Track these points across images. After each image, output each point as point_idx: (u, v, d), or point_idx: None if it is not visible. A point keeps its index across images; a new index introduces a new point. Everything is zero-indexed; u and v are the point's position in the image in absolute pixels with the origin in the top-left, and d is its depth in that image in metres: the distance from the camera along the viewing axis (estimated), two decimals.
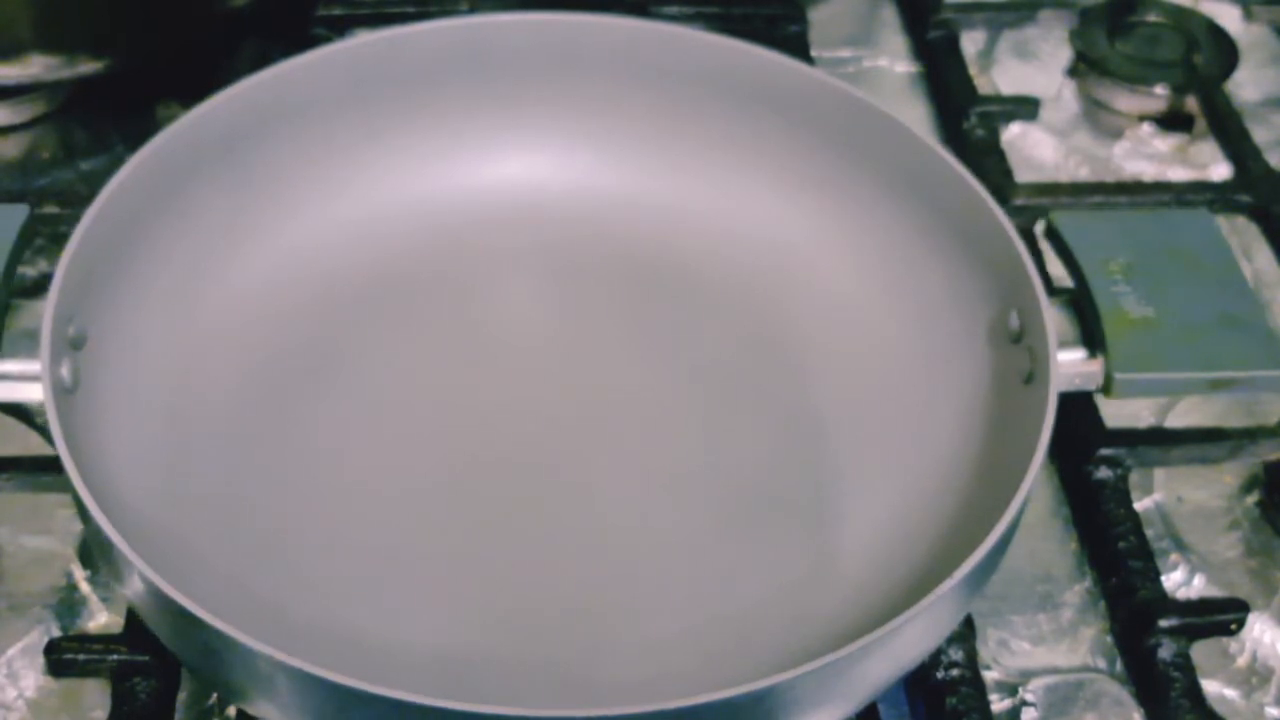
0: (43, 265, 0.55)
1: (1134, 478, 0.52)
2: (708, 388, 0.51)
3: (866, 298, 0.53)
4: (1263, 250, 0.61)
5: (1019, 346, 0.47)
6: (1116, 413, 0.53)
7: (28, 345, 0.44)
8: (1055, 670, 0.48)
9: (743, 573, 0.46)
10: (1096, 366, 0.46)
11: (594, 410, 0.51)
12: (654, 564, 0.47)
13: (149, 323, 0.49)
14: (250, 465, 0.48)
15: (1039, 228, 0.57)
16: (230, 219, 0.52)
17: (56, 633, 0.46)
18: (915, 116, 0.67)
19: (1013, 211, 0.58)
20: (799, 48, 0.67)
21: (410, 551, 0.46)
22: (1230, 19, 0.72)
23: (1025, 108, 0.66)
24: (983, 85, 0.68)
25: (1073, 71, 0.69)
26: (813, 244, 0.54)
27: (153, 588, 0.38)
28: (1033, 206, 0.60)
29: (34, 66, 0.60)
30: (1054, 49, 0.70)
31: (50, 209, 0.57)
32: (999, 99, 0.67)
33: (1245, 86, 0.69)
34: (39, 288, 0.51)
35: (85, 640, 0.46)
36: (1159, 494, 0.53)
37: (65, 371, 0.44)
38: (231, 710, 0.45)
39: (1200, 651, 0.48)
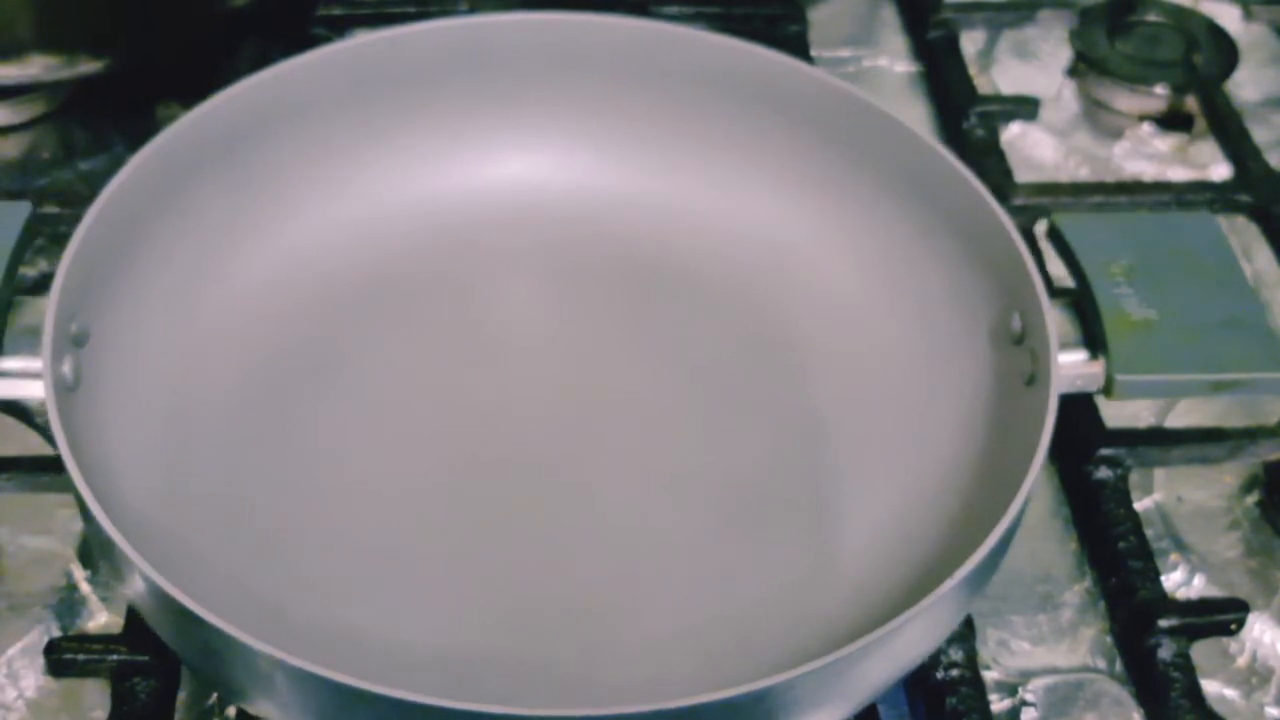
0: (43, 265, 0.55)
1: (1134, 478, 0.52)
2: (708, 388, 0.51)
3: (867, 298, 0.53)
4: (1263, 250, 0.61)
5: (1020, 348, 0.47)
6: (1116, 413, 0.53)
7: (29, 342, 0.43)
8: (1055, 670, 0.48)
9: (743, 573, 0.46)
10: (1098, 368, 0.46)
11: (594, 410, 0.51)
12: (654, 564, 0.47)
13: (150, 322, 0.49)
14: (250, 465, 0.48)
15: (1040, 228, 0.57)
16: (231, 218, 0.52)
17: (56, 633, 0.46)
18: (915, 116, 0.67)
19: (1013, 211, 0.58)
20: (799, 48, 0.67)
21: (410, 551, 0.46)
22: (1230, 19, 0.72)
23: (1025, 108, 0.66)
24: (983, 85, 0.68)
25: (1073, 71, 0.69)
26: (813, 244, 0.54)
27: (153, 586, 0.38)
28: (1033, 206, 0.60)
29: (34, 66, 0.60)
30: (1054, 49, 0.70)
31: (50, 209, 0.56)
32: (999, 99, 0.67)
33: (1245, 86, 0.69)
34: (40, 287, 0.51)
35: (85, 640, 0.46)
36: (1159, 494, 0.53)
37: (67, 369, 0.44)
38: (231, 710, 0.45)
39: (1200, 651, 0.48)
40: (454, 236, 0.55)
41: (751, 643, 0.44)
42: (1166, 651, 0.47)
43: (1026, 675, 0.48)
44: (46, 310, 0.43)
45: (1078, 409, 0.52)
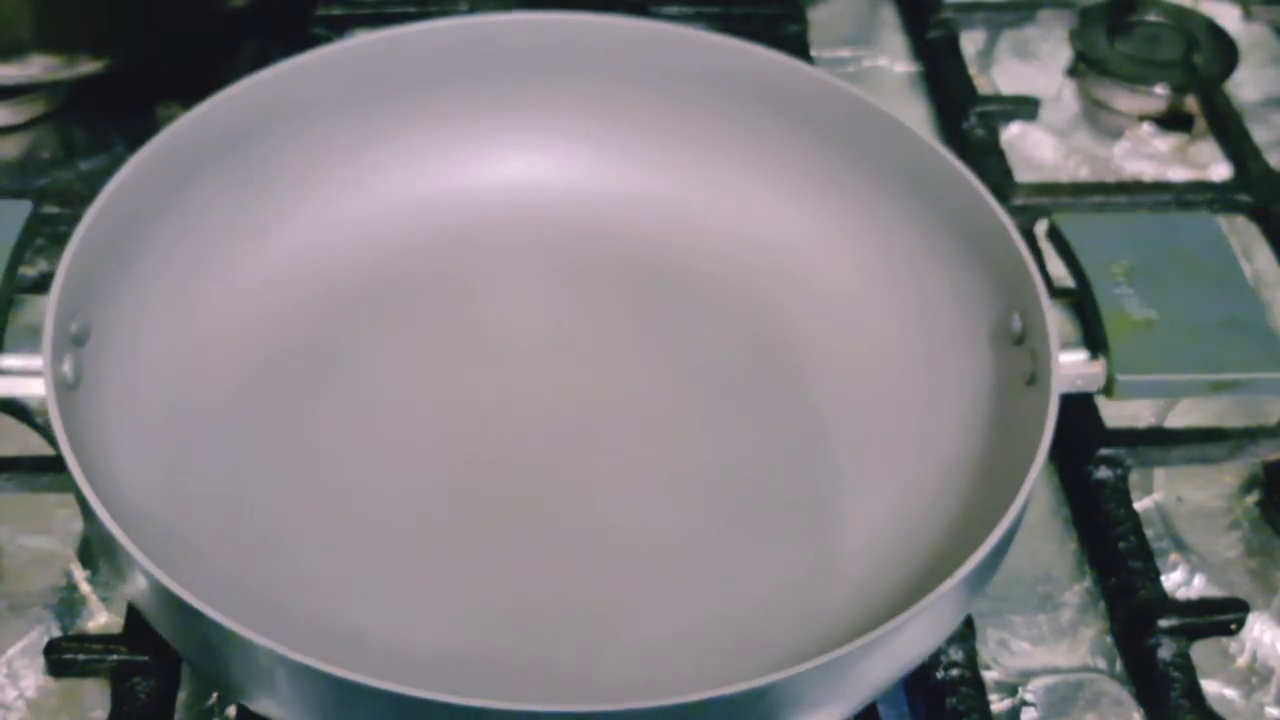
0: (43, 265, 0.55)
1: (1134, 478, 0.52)
2: (708, 388, 0.51)
3: (867, 298, 0.53)
4: (1263, 250, 0.61)
5: (1021, 348, 0.47)
6: (1116, 413, 0.53)
7: (30, 341, 0.43)
8: (1055, 670, 0.48)
9: (743, 573, 0.46)
10: (1098, 368, 0.46)
11: (594, 410, 0.51)
12: (654, 564, 0.47)
13: (150, 321, 0.49)
14: (250, 464, 0.48)
15: (1040, 228, 0.57)
16: (231, 218, 0.52)
17: (56, 633, 0.46)
18: (915, 116, 0.67)
19: (1012, 211, 0.58)
20: (799, 48, 0.67)
21: (410, 551, 0.46)
22: (1230, 19, 0.72)
23: (1025, 108, 0.66)
24: (983, 85, 0.68)
25: (1073, 71, 0.69)
26: (813, 244, 0.54)
27: (154, 582, 0.38)
28: (1032, 206, 0.60)
29: (34, 66, 0.60)
30: (1054, 49, 0.70)
31: (50, 209, 0.56)
32: (999, 99, 0.67)
33: (1245, 86, 0.69)
34: (40, 287, 0.51)
35: (85, 640, 0.45)
36: (1159, 494, 0.53)
37: (67, 368, 0.44)
38: (231, 710, 0.45)
39: (1200, 651, 0.48)
40: (454, 236, 0.55)
41: (751, 643, 0.44)
42: (1166, 651, 0.47)
43: (1026, 675, 0.48)
44: (47, 308, 0.43)
45: (1078, 409, 0.52)
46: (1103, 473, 0.52)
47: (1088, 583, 0.50)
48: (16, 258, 0.45)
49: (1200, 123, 0.67)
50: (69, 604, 0.47)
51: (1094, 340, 0.46)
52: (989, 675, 0.47)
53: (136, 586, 0.39)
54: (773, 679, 0.36)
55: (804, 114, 0.54)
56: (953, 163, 0.50)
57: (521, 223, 0.56)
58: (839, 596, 0.45)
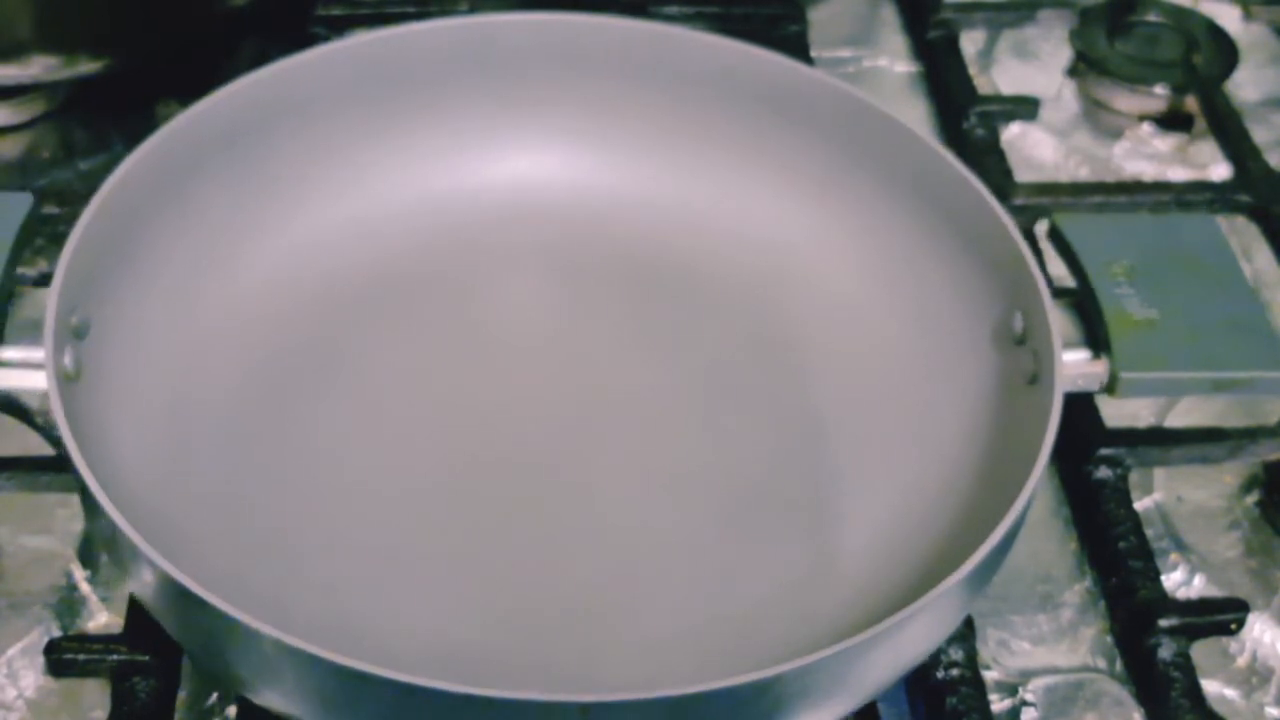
0: (43, 265, 0.55)
1: (1134, 478, 0.52)
2: (709, 387, 0.51)
3: (868, 298, 0.53)
4: (1263, 250, 0.61)
5: (1022, 348, 0.47)
6: (1116, 413, 0.53)
7: (30, 334, 0.44)
8: (1055, 670, 0.48)
9: (743, 573, 0.46)
10: (1100, 368, 0.46)
11: (594, 410, 0.51)
12: (654, 564, 0.47)
13: (151, 318, 0.48)
14: (250, 463, 0.48)
15: (1040, 228, 0.57)
16: (231, 216, 0.52)
17: (56, 633, 0.46)
18: (915, 116, 0.67)
19: (1013, 211, 0.58)
20: (799, 48, 0.67)
21: (410, 551, 0.46)
22: (1230, 19, 0.72)
23: (1025, 108, 0.66)
24: (983, 85, 0.68)
25: (1073, 71, 0.69)
26: (814, 244, 0.54)
27: (158, 571, 0.38)
28: (1033, 206, 0.60)
29: (34, 66, 0.60)
30: (1054, 49, 0.70)
31: (50, 209, 0.56)
32: (999, 99, 0.67)
33: (1245, 86, 0.69)
34: (39, 284, 0.51)
35: (85, 640, 0.45)
36: (1159, 494, 0.53)
37: (68, 360, 0.43)
38: (231, 710, 0.45)
39: (1200, 651, 0.48)
40: (453, 236, 0.55)
41: (751, 643, 0.44)
42: (1166, 651, 0.47)
43: (1026, 675, 0.48)
44: (48, 300, 0.43)
45: (1078, 409, 0.52)
46: (1103, 473, 0.52)
47: (1088, 583, 0.50)
48: (18, 250, 0.46)
49: (1200, 123, 0.67)
50: (69, 604, 0.47)
51: (1096, 339, 0.46)
52: (989, 675, 0.47)
53: (138, 577, 0.39)
54: (779, 670, 0.36)
55: (804, 114, 0.54)
56: (953, 163, 0.50)
57: (521, 222, 0.56)
58: (839, 597, 0.45)
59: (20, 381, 0.44)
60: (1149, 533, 0.51)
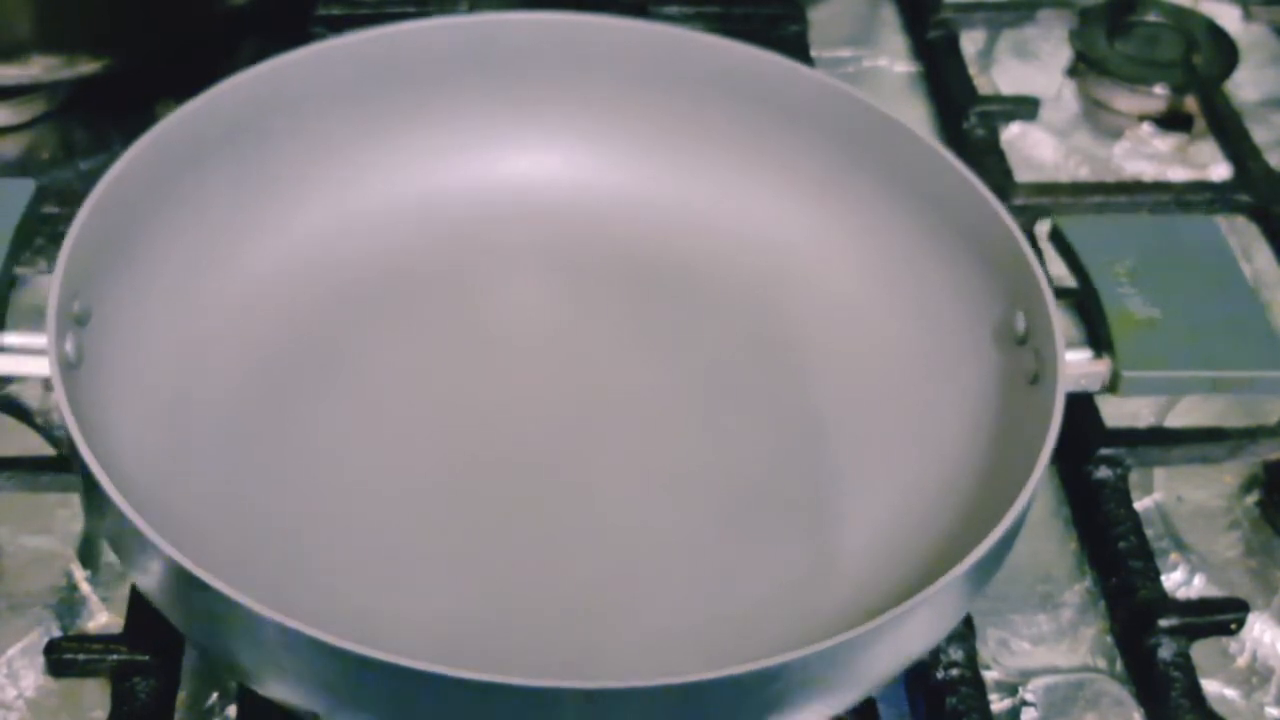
0: (43, 265, 0.55)
1: (1134, 478, 0.52)
2: (709, 387, 0.51)
3: (868, 298, 0.53)
4: (1263, 250, 0.61)
5: (1024, 347, 0.47)
6: (1116, 412, 0.53)
7: (33, 319, 0.44)
8: (1055, 670, 0.48)
9: (743, 573, 0.46)
10: (1102, 367, 0.46)
11: (595, 409, 0.51)
12: (654, 564, 0.47)
13: (151, 316, 0.48)
14: (250, 463, 0.48)
15: (1041, 229, 0.57)
16: (231, 215, 0.52)
17: (56, 633, 0.46)
18: (915, 116, 0.67)
19: (1013, 211, 0.58)
20: (799, 48, 0.67)
21: (410, 551, 0.46)
22: (1230, 19, 0.72)
23: (1025, 108, 0.66)
24: (983, 85, 0.68)
25: (1073, 71, 0.69)
26: (814, 244, 0.54)
27: (161, 555, 0.38)
28: (1033, 206, 0.61)
29: (34, 66, 0.60)
30: (1054, 49, 0.70)
31: (50, 208, 0.56)
32: (999, 99, 0.67)
33: (1245, 86, 0.69)
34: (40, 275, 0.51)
35: (85, 640, 0.45)
36: (1159, 494, 0.53)
37: (69, 347, 0.43)
38: (231, 710, 0.45)
39: (1200, 651, 0.48)
40: (454, 235, 0.55)
41: (751, 643, 0.44)
42: (1166, 651, 0.47)
43: (1026, 675, 0.48)
44: (50, 286, 0.43)
45: (1078, 408, 0.52)
46: (1103, 472, 0.52)
47: (1088, 583, 0.50)
48: (20, 237, 0.46)
49: (1200, 123, 0.67)
50: (69, 604, 0.47)
51: (1097, 339, 0.46)
52: (989, 675, 0.47)
53: (141, 564, 0.39)
54: (783, 659, 0.36)
55: (804, 115, 0.54)
56: (954, 163, 0.50)
57: (521, 222, 0.56)
58: (839, 596, 0.45)
59: (21, 367, 0.44)
60: (1149, 533, 0.51)
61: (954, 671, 0.46)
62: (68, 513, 0.49)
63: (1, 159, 0.62)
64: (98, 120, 0.63)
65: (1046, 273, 0.47)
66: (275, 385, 0.50)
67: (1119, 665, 0.48)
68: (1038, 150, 0.66)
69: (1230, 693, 0.48)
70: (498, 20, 0.55)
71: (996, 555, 0.41)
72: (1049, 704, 0.47)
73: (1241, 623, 0.48)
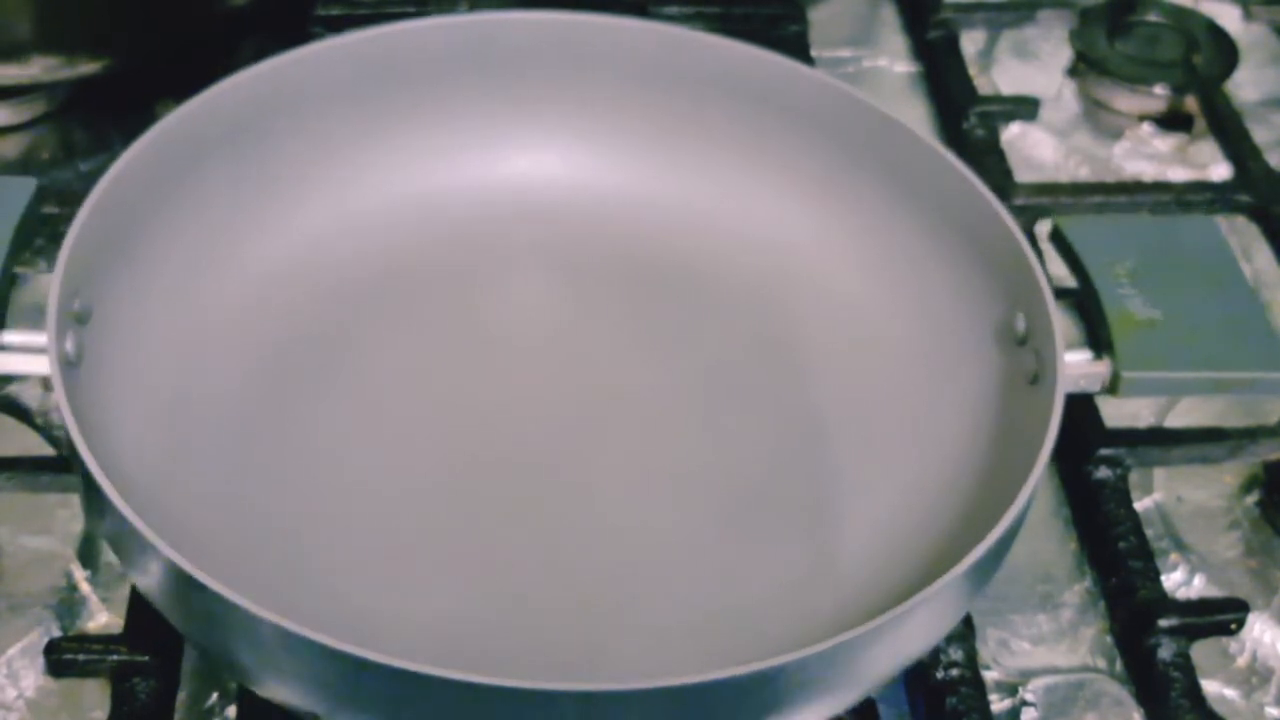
0: (43, 265, 0.55)
1: (1134, 478, 0.52)
2: (710, 387, 0.51)
3: (869, 298, 0.53)
4: (1263, 250, 0.61)
5: (1024, 348, 0.47)
6: (1116, 413, 0.53)
7: (33, 318, 0.44)
8: (1055, 670, 0.48)
9: (743, 572, 0.46)
10: (1102, 368, 0.46)
11: (595, 409, 0.51)
12: (654, 563, 0.47)
13: (151, 316, 0.48)
14: (250, 463, 0.48)
15: (1041, 229, 0.57)
16: (232, 215, 0.52)
17: (56, 633, 0.46)
18: (915, 116, 0.67)
19: (1013, 211, 0.58)
20: (799, 48, 0.67)
21: (409, 550, 0.46)
22: (1230, 19, 0.72)
23: (1025, 108, 0.66)
24: (983, 85, 0.68)
25: (1073, 71, 0.69)
26: (815, 244, 0.54)
27: (160, 557, 0.38)
28: (1033, 206, 0.61)
29: (34, 66, 0.60)
30: (1054, 49, 0.70)
31: (50, 208, 0.56)
32: (999, 99, 0.67)
33: (1245, 86, 0.69)
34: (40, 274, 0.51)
35: (85, 640, 0.45)
36: (1159, 494, 0.53)
37: (69, 345, 0.43)
38: (231, 711, 0.45)
39: (1200, 651, 0.48)
40: (454, 235, 0.55)
41: (752, 643, 0.44)
42: (1166, 651, 0.47)
43: (1026, 675, 0.48)
44: (50, 284, 0.43)
45: (1078, 409, 0.52)
46: (1103, 473, 0.52)
47: (1088, 583, 0.50)
48: (20, 235, 0.46)
49: (1200, 123, 0.67)
50: (69, 604, 0.47)
51: (1098, 340, 0.46)
52: (989, 675, 0.47)
53: (140, 564, 0.39)
54: (782, 660, 0.36)
55: (805, 115, 0.54)
56: (954, 163, 0.50)
57: (522, 221, 0.56)
58: (839, 596, 0.45)
59: (21, 366, 0.44)
60: (1149, 533, 0.51)
61: (954, 671, 0.46)
62: (68, 513, 0.49)
63: (1, 159, 0.62)
64: (98, 120, 0.63)
65: (1046, 273, 0.47)
66: (275, 385, 0.50)
67: (1119, 665, 0.48)
68: (1038, 150, 0.66)
69: (1230, 693, 0.48)
70: (497, 20, 0.55)
71: (996, 555, 0.41)
72: (1049, 704, 0.47)
73: (1241, 623, 0.48)
